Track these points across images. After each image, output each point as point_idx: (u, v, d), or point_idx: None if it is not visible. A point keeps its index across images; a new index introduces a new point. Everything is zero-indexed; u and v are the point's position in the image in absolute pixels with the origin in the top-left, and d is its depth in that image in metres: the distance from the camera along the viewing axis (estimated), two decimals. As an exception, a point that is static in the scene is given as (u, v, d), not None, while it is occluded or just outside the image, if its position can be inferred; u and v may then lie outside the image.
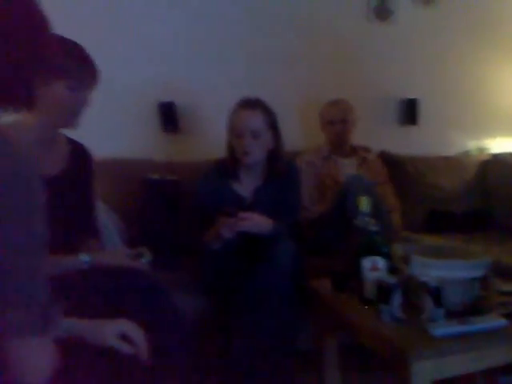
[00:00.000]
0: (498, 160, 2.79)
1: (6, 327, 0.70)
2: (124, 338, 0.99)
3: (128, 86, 2.47)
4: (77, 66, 1.26)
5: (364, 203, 1.60)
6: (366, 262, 1.49)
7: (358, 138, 2.59)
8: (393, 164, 2.63)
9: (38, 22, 0.81)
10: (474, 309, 1.35)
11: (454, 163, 2.79)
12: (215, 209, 1.77)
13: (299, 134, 2.74)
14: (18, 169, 0.71)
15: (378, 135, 2.82)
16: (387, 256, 1.51)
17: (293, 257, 1.71)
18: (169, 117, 2.55)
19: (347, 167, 2.48)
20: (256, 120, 1.87)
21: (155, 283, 1.20)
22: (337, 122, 2.47)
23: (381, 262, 1.49)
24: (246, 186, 1.96)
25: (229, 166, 1.96)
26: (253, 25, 2.65)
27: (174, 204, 2.21)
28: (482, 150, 3.00)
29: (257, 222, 1.75)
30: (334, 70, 2.77)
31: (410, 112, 2.88)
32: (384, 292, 1.34)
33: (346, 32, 2.80)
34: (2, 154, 0.70)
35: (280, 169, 1.96)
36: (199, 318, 1.78)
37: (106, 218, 1.85)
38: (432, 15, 2.91)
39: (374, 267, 1.49)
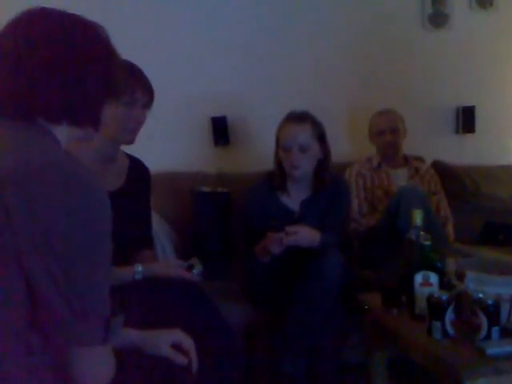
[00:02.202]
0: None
1: (70, 338, 0.74)
2: (176, 348, 1.02)
3: (182, 102, 2.55)
4: (130, 84, 1.33)
5: (417, 216, 1.58)
6: (418, 277, 1.47)
7: (411, 147, 2.54)
8: (446, 174, 2.56)
9: (110, 56, 0.88)
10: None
11: (511, 172, 2.67)
12: (264, 222, 1.80)
13: (348, 145, 2.72)
14: (88, 192, 0.76)
15: (433, 145, 2.75)
16: (440, 271, 1.48)
17: (341, 270, 1.70)
18: (221, 130, 2.61)
19: (399, 178, 2.43)
20: (304, 134, 1.88)
21: (206, 295, 1.23)
22: (387, 132, 2.44)
23: (433, 278, 1.46)
24: (294, 198, 1.98)
25: (277, 179, 1.98)
26: (302, 37, 2.67)
27: (224, 216, 2.26)
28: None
29: (304, 236, 1.76)
30: (386, 79, 2.74)
31: (467, 120, 2.79)
32: (436, 308, 1.32)
33: (400, 41, 2.75)
34: (75, 179, 0.75)
35: (327, 181, 1.96)
36: (247, 327, 1.81)
37: (158, 229, 1.92)
38: (490, 19, 2.81)
39: (425, 282, 1.46)
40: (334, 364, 1.69)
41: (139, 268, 1.31)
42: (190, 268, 1.40)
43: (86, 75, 0.83)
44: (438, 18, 2.78)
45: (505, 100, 2.86)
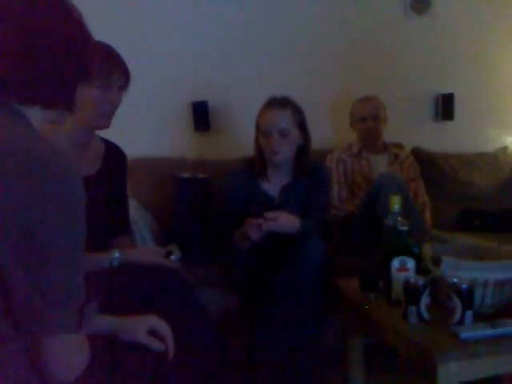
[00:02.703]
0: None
1: (43, 325, 0.73)
2: (153, 334, 1.02)
3: (162, 86, 2.52)
4: (106, 66, 1.30)
5: (395, 202, 1.59)
6: (395, 263, 1.48)
7: (391, 134, 2.56)
8: (425, 161, 2.59)
9: (83, 36, 0.86)
10: (506, 312, 1.32)
11: (489, 160, 2.72)
12: (244, 208, 1.79)
13: (330, 131, 2.73)
14: (62, 177, 0.75)
15: (412, 131, 2.78)
16: (417, 256, 1.49)
17: (321, 256, 1.71)
18: (201, 116, 2.59)
19: (379, 164, 2.45)
20: (284, 119, 1.88)
21: (183, 281, 1.23)
22: (369, 119, 2.45)
23: (410, 263, 1.48)
24: (274, 184, 1.97)
25: (257, 165, 1.97)
26: (284, 22, 2.65)
27: (204, 202, 2.24)
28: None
29: (284, 222, 1.76)
30: (367, 66, 2.74)
31: (446, 107, 2.82)
32: (412, 293, 1.33)
33: (381, 27, 2.76)
34: (49, 163, 0.74)
35: (308, 167, 1.96)
36: (226, 314, 1.81)
37: (136, 215, 1.90)
38: (472, 5, 2.83)
39: (402, 268, 1.47)
40: (315, 349, 1.71)
41: (116, 254, 1.30)
42: (168, 254, 1.39)
43: (58, 55, 0.82)
44: (419, 5, 2.79)
45: (483, 87, 2.89)
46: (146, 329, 1.02)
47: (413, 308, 1.31)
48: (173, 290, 1.17)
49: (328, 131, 2.71)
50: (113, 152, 1.50)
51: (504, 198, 2.61)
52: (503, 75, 2.90)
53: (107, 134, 1.49)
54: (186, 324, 1.13)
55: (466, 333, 1.20)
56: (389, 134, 2.54)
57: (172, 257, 1.39)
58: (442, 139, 2.81)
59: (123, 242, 1.46)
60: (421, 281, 1.34)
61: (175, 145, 2.56)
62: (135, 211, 1.87)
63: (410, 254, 1.48)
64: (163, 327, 1.03)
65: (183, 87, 2.56)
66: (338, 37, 2.71)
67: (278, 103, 1.90)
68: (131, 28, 2.45)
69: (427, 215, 2.37)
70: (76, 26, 0.85)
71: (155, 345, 1.01)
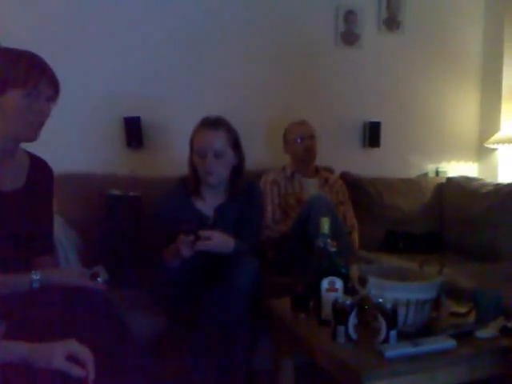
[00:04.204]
0: (452, 183, 2.89)
1: None
2: (72, 359, 0.96)
3: (94, 99, 2.45)
4: (33, 76, 1.25)
5: (325, 224, 1.63)
6: (324, 283, 1.52)
7: (321, 158, 2.64)
8: (353, 185, 2.70)
9: None
10: (426, 330, 1.39)
11: (412, 185, 2.88)
12: (177, 227, 1.76)
13: (265, 153, 2.77)
14: None
15: (341, 157, 2.89)
16: (345, 277, 1.54)
17: (253, 276, 1.71)
18: (134, 132, 2.53)
19: (310, 187, 2.52)
20: (218, 140, 1.87)
21: (107, 304, 1.17)
22: (306, 138, 2.52)
23: (338, 283, 1.52)
24: (208, 203, 1.96)
25: (191, 184, 1.95)
26: (221, 44, 2.68)
27: (135, 220, 2.18)
28: (438, 172, 3.13)
29: (218, 242, 1.74)
30: (300, 92, 2.83)
31: (373, 135, 2.97)
32: (340, 313, 1.36)
33: (314, 56, 2.86)
34: None
35: (242, 187, 1.97)
36: (156, 336, 1.75)
37: (62, 234, 1.80)
38: (396, 41, 3.02)
39: (331, 288, 1.51)
40: (244, 372, 1.69)
41: (37, 275, 1.22)
42: (95, 276, 1.32)
43: None
44: (349, 37, 2.93)
45: (407, 118, 3.08)
46: (64, 354, 0.96)
47: (341, 328, 1.35)
48: (95, 313, 1.11)
49: (263, 153, 2.75)
50: (39, 166, 1.43)
51: (425, 221, 2.78)
52: (424, 108, 3.11)
53: (35, 147, 1.42)
54: (108, 348, 1.08)
55: (390, 352, 1.24)
56: (319, 159, 2.62)
57: (99, 279, 1.32)
58: (368, 165, 2.95)
59: (46, 262, 1.37)
60: (348, 301, 1.38)
61: (106, 161, 2.48)
62: (60, 229, 1.78)
63: (339, 274, 1.53)
64: (83, 352, 0.97)
65: (116, 102, 2.50)
66: (274, 62, 2.78)
67: (212, 124, 1.90)
68: (62, 41, 2.37)
69: (355, 237, 2.47)
70: None
71: (74, 371, 0.95)
